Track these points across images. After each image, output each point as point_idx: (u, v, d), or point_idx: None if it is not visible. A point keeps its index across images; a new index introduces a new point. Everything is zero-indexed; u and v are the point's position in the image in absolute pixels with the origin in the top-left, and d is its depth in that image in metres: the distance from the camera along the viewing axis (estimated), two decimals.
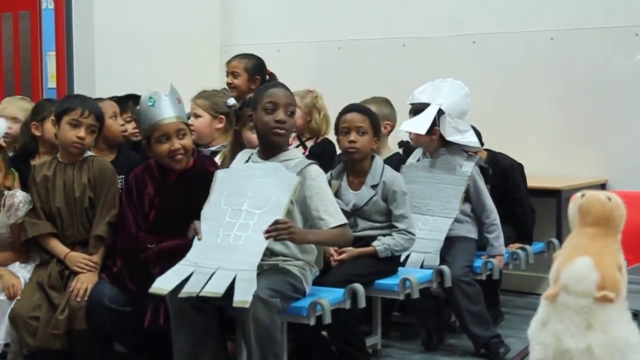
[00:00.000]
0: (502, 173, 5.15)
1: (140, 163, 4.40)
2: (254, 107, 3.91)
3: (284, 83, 4.03)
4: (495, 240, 4.76)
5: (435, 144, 4.80)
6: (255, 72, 5.33)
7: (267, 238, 3.59)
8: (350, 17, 6.67)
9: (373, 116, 4.43)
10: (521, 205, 5.16)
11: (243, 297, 3.45)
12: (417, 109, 4.82)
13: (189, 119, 4.51)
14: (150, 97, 3.97)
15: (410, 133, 4.87)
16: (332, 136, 5.22)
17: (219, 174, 3.90)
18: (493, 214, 4.76)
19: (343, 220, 3.80)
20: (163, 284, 3.60)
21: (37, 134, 4.45)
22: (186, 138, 3.98)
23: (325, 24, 6.76)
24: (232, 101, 4.58)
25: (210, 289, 3.52)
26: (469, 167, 4.74)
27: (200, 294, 3.52)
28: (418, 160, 4.90)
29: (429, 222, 4.69)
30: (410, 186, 4.61)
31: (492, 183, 4.99)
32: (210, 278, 3.56)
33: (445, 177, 4.75)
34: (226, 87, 5.31)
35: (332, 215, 3.76)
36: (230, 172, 3.93)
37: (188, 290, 3.54)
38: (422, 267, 4.53)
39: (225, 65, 5.46)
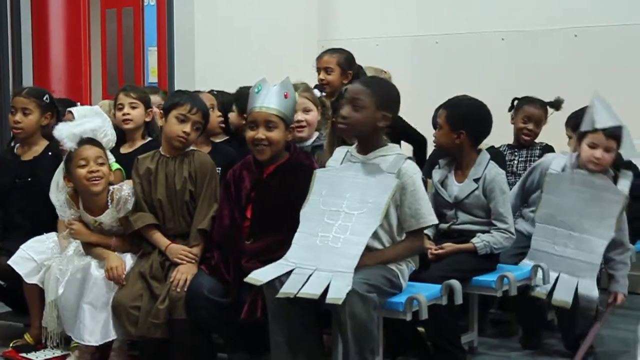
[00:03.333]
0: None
1: (235, 156, 4.46)
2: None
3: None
4: (622, 278, 4.50)
5: None
6: (347, 66, 5.31)
7: None
8: (448, 11, 6.62)
9: (450, 110, 4.36)
10: None
11: (337, 294, 3.51)
12: (615, 134, 4.42)
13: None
14: (259, 85, 4.02)
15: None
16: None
17: (318, 174, 3.92)
18: (628, 252, 4.52)
19: (432, 221, 3.79)
20: (259, 276, 3.69)
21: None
22: (275, 131, 3.97)
23: (423, 18, 6.72)
24: (318, 92, 4.61)
25: (307, 291, 3.57)
26: (625, 186, 4.42)
27: (297, 295, 3.57)
28: (563, 169, 4.55)
29: (580, 241, 4.36)
30: (552, 197, 4.44)
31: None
32: (308, 279, 3.61)
33: (601, 194, 4.37)
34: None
35: (421, 216, 3.76)
36: (328, 171, 3.94)
37: (286, 290, 3.60)
38: (576, 292, 4.27)
39: (315, 61, 5.42)
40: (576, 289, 4.28)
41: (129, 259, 4.19)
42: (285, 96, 4.02)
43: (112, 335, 4.09)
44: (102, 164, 4.18)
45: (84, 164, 4.15)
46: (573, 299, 4.27)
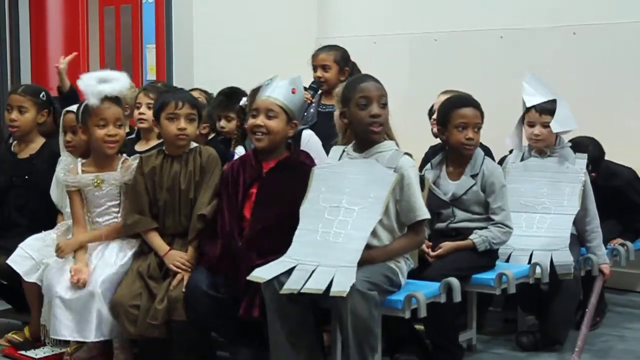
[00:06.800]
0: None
1: (226, 153, 4.47)
2: (347, 103, 3.91)
3: (379, 76, 4.01)
4: (598, 249, 4.66)
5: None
6: (344, 63, 5.33)
7: None
8: (447, 9, 6.60)
9: (482, 110, 4.41)
10: None
11: (341, 287, 3.51)
12: (547, 108, 4.65)
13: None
14: (270, 78, 4.05)
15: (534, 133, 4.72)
16: None
17: (316, 171, 3.93)
18: (596, 220, 4.67)
19: (425, 215, 3.81)
20: (262, 273, 3.70)
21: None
22: (274, 120, 3.98)
23: (421, 16, 6.71)
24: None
25: (311, 286, 3.58)
26: (581, 164, 4.65)
27: (302, 291, 3.58)
28: (522, 160, 4.77)
29: (546, 221, 4.57)
30: (517, 185, 4.59)
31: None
32: (311, 275, 3.62)
33: (559, 175, 4.64)
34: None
35: (417, 209, 3.80)
36: (326, 168, 3.95)
37: (289, 287, 3.61)
38: (551, 263, 4.39)
39: (311, 58, 5.43)
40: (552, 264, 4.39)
41: (126, 253, 4.19)
42: (293, 91, 4.03)
43: (92, 337, 4.04)
44: (120, 126, 4.21)
45: (103, 124, 4.17)
46: (551, 280, 4.38)
